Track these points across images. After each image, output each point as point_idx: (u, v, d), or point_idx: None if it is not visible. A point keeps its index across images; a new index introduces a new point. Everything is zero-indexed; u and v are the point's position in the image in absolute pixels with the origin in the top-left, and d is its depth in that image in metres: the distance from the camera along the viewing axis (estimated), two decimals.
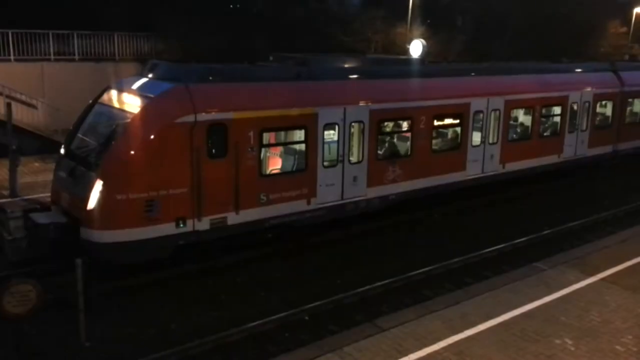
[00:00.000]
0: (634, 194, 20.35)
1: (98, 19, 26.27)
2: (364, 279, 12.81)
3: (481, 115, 17.68)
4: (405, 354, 8.74)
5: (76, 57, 25.63)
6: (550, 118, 20.40)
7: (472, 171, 17.84)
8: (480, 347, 9.00)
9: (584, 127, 21.35)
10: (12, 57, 23.89)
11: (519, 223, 17.16)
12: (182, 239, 12.27)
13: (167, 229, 12.00)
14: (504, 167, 18.71)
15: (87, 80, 22.05)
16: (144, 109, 12.10)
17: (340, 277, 13.17)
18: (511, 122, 19.07)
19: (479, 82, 18.36)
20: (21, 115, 21.31)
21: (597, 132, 22.00)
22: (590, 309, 10.36)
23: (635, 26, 46.31)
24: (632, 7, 46.15)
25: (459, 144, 17.39)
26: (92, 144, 12.87)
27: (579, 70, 22.37)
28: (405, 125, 16.41)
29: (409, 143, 16.20)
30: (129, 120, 12.18)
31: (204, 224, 12.43)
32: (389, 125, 16.33)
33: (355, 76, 15.62)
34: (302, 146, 14.06)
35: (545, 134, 20.28)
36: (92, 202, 11.58)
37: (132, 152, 11.74)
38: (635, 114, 24.28)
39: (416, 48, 24.00)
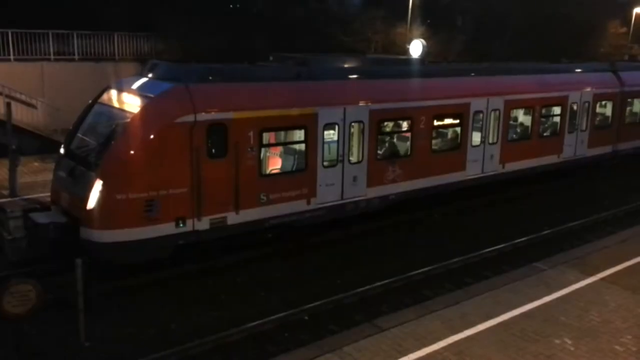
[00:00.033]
0: (634, 194, 20.35)
1: (98, 19, 26.27)
2: (364, 279, 12.82)
3: (481, 115, 17.69)
4: (405, 354, 8.74)
5: (76, 57, 25.62)
6: (550, 118, 20.40)
7: (472, 171, 17.85)
8: (480, 347, 9.00)
9: (584, 127, 21.35)
10: (11, 57, 23.89)
11: (519, 223, 17.17)
12: (182, 238, 12.27)
13: (167, 228, 12.00)
14: (503, 167, 18.71)
15: (87, 80, 22.05)
16: (144, 108, 12.10)
17: (340, 277, 13.17)
18: (511, 122, 19.08)
19: (479, 82, 18.37)
20: (21, 115, 21.30)
21: (597, 132, 22.00)
22: (590, 309, 10.36)
23: (635, 26, 46.32)
24: (632, 7, 46.15)
25: (459, 144, 17.39)
26: (91, 144, 12.87)
27: (579, 70, 22.37)
28: (405, 125, 16.42)
29: (408, 143, 16.20)
30: (128, 120, 12.18)
31: (203, 224, 12.43)
32: (388, 125, 16.34)
33: (355, 76, 15.62)
34: (302, 146, 14.06)
35: (545, 134, 20.28)
36: (92, 201, 11.58)
37: (132, 152, 11.74)
38: (635, 114, 24.29)
39: (416, 48, 24.00)
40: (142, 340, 10.44)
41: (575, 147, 21.13)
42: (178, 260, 12.67)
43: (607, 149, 22.82)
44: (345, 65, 16.12)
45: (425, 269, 13.50)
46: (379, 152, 15.55)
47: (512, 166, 18.96)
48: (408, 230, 16.41)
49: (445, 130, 17.74)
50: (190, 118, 11.97)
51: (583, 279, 11.56)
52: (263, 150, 13.41)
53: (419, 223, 16.95)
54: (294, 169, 14.18)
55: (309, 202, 14.12)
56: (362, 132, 14.90)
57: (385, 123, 15.90)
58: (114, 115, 12.85)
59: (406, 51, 25.48)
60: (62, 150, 13.54)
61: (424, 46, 23.91)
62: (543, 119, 20.03)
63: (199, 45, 26.82)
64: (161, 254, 12.23)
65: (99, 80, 17.27)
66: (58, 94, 22.73)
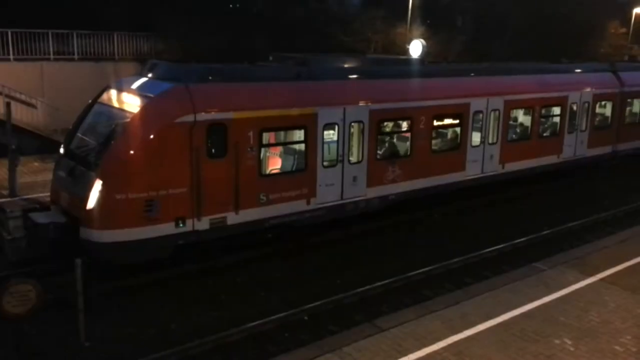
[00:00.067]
0: (634, 194, 20.36)
1: (98, 19, 26.28)
2: (364, 279, 12.82)
3: (481, 115, 17.69)
4: (405, 354, 8.75)
5: (76, 56, 25.62)
6: (550, 118, 20.41)
7: (472, 171, 17.85)
8: (480, 347, 9.00)
9: (584, 128, 21.36)
10: (11, 57, 23.88)
11: (518, 223, 17.17)
12: (182, 238, 12.27)
13: (167, 228, 12.00)
14: (503, 168, 18.72)
15: (87, 79, 22.05)
16: (144, 108, 12.10)
17: (340, 277, 13.17)
18: (511, 122, 19.08)
19: (479, 83, 18.37)
20: (21, 114, 21.30)
21: (597, 133, 22.01)
22: (590, 309, 10.36)
23: (634, 27, 46.33)
24: (632, 7, 46.16)
25: (459, 144, 17.39)
26: (91, 144, 12.86)
27: (579, 70, 22.38)
28: (405, 125, 16.42)
29: (408, 143, 16.21)
30: (128, 119, 12.17)
31: (203, 224, 12.43)
32: (388, 125, 16.34)
33: (355, 76, 15.62)
34: (302, 146, 14.06)
35: (544, 134, 20.28)
36: (92, 201, 11.58)
37: (132, 152, 11.74)
38: (635, 114, 24.29)
39: (416, 48, 24.04)
40: (142, 340, 10.44)
41: (575, 147, 21.14)
42: (178, 260, 12.67)
43: (606, 149, 22.83)
44: (345, 65, 16.12)
45: (425, 269, 13.50)
46: (378, 152, 15.55)
47: (512, 166, 18.96)
48: (408, 230, 16.41)
49: (445, 131, 17.74)
50: (190, 118, 11.97)
51: (583, 279, 11.57)
52: (263, 150, 13.41)
53: (419, 223, 16.96)
54: (293, 169, 14.18)
55: (308, 202, 14.12)
56: (362, 132, 14.90)
57: (385, 123, 15.90)
58: (114, 115, 12.84)
59: (406, 51, 25.50)
60: (61, 150, 13.54)
61: (423, 46, 23.95)
62: (543, 119, 20.03)
63: (199, 45, 26.82)
64: (161, 254, 12.23)
65: (99, 80, 17.26)
66: (58, 93, 22.71)
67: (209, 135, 12.23)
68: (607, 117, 22.82)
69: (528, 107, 19.34)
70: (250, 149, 12.89)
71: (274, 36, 28.23)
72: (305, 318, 11.38)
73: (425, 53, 23.91)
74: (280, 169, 14.23)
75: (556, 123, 20.46)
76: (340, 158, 14.58)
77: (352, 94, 14.87)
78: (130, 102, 12.58)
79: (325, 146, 14.35)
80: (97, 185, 11.54)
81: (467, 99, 17.28)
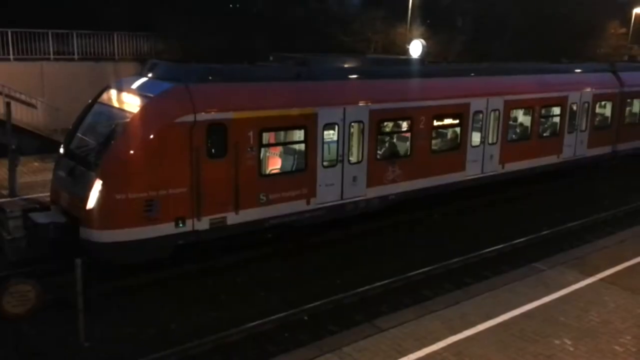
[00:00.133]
0: (634, 194, 20.36)
1: (98, 19, 26.29)
2: (364, 279, 12.81)
3: (481, 115, 17.69)
4: (405, 354, 8.74)
5: (76, 56, 25.63)
6: (550, 118, 20.41)
7: (472, 171, 17.85)
8: (480, 347, 9.00)
9: (583, 128, 21.36)
10: (11, 57, 23.89)
11: (518, 223, 17.17)
12: (182, 238, 12.27)
13: (167, 228, 12.00)
14: (503, 168, 18.72)
15: (87, 79, 22.07)
16: (144, 108, 12.10)
17: (339, 277, 13.17)
18: (510, 122, 19.09)
19: (479, 83, 18.37)
20: (20, 114, 21.31)
21: (597, 133, 22.01)
22: (590, 309, 10.37)
23: (634, 27, 46.35)
24: (631, 8, 46.17)
25: (459, 144, 17.39)
26: (91, 144, 12.86)
27: (579, 70, 22.38)
28: (404, 125, 16.42)
29: (408, 143, 16.21)
30: (128, 119, 12.17)
31: (203, 224, 12.43)
32: (388, 126, 16.33)
33: (355, 76, 15.62)
34: (302, 146, 14.06)
35: (544, 134, 20.28)
36: (92, 201, 11.57)
37: (132, 152, 11.74)
38: (635, 114, 24.29)
39: (416, 48, 24.03)
40: (142, 340, 10.44)
41: (574, 147, 21.14)
42: (178, 260, 12.67)
43: (606, 149, 22.83)
44: (345, 65, 16.12)
45: (425, 269, 13.50)
46: (378, 152, 15.55)
47: (512, 166, 18.96)
48: (408, 230, 16.41)
49: (445, 131, 17.74)
50: (190, 118, 11.97)
51: (582, 279, 11.57)
52: (263, 150, 13.41)
53: (419, 223, 16.95)
54: (293, 169, 14.18)
55: (308, 202, 14.13)
56: (361, 132, 14.90)
57: (385, 123, 15.90)
58: (114, 115, 12.84)
59: (406, 51, 25.50)
60: (61, 150, 13.53)
61: (423, 46, 23.94)
62: (543, 119, 20.03)
63: (199, 45, 26.83)
64: (161, 254, 12.22)
65: (99, 80, 17.28)
66: (58, 93, 22.73)
67: (209, 135, 12.23)
68: (607, 117, 22.83)
69: (528, 107, 19.34)
70: (250, 149, 12.89)
71: (274, 36, 28.24)
72: (305, 318, 11.38)
73: (425, 53, 23.90)
74: (280, 169, 14.23)
75: (556, 123, 20.46)
76: (340, 158, 14.58)
77: (352, 94, 14.87)
78: (130, 102, 12.58)
79: (325, 146, 14.35)
80: (97, 185, 11.54)
81: (467, 99, 17.28)
